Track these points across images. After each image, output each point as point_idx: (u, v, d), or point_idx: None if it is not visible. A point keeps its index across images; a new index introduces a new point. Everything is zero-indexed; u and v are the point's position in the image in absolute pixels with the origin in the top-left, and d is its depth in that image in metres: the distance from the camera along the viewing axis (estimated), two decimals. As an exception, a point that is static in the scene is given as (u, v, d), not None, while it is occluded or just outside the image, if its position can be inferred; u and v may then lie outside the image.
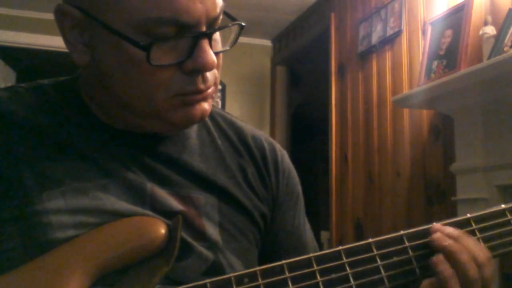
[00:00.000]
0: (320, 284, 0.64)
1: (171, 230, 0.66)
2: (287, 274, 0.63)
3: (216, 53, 0.68)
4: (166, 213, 0.70)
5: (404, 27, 2.62)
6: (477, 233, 0.72)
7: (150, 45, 0.62)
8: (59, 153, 0.69)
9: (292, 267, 0.64)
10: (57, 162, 0.68)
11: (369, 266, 0.66)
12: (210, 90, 0.69)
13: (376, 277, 0.66)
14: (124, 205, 0.68)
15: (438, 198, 2.30)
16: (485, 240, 0.72)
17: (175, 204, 0.71)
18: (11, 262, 0.62)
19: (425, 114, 2.42)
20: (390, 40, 2.72)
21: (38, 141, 0.69)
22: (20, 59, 4.31)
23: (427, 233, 0.70)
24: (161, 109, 0.67)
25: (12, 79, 4.28)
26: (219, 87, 4.09)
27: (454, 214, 2.09)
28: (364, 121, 2.92)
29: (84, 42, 0.68)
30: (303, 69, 4.56)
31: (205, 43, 0.65)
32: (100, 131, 0.73)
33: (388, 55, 2.74)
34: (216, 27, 0.68)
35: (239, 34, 0.72)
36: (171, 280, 0.67)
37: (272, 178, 0.82)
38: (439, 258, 0.67)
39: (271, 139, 0.87)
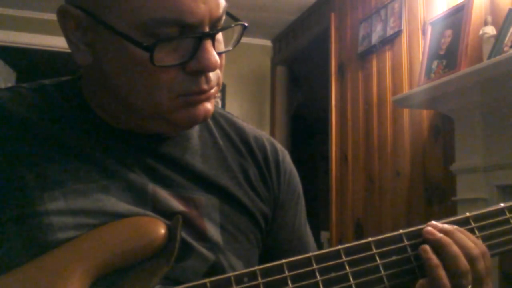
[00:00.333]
0: (320, 283, 0.64)
1: (171, 230, 0.66)
2: (287, 273, 0.63)
3: (219, 54, 0.68)
4: (168, 214, 0.70)
5: (404, 27, 2.62)
6: (476, 232, 0.72)
7: (154, 45, 0.62)
8: (60, 154, 0.69)
9: (291, 266, 0.64)
10: (58, 163, 0.68)
11: (368, 265, 0.67)
12: (213, 90, 0.69)
13: (375, 276, 0.66)
14: (125, 206, 0.68)
15: (438, 198, 2.30)
16: (484, 238, 0.72)
17: (177, 205, 0.71)
18: (12, 263, 0.62)
19: (425, 114, 2.42)
20: (390, 40, 2.72)
21: (40, 142, 0.69)
22: (20, 59, 4.31)
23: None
24: (164, 110, 0.67)
25: (12, 79, 4.28)
26: (219, 87, 4.07)
27: (454, 214, 2.07)
28: (364, 121, 2.92)
29: (87, 42, 0.68)
30: (303, 69, 4.56)
31: (208, 43, 0.65)
32: (102, 131, 0.73)
33: (388, 55, 2.75)
34: (219, 27, 0.68)
35: (241, 34, 0.72)
36: (171, 281, 0.66)
37: (274, 178, 0.82)
38: (426, 247, 0.69)
39: (272, 139, 0.87)
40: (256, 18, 3.88)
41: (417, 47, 2.51)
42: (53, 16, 0.67)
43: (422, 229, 0.71)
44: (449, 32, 2.17)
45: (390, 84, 2.71)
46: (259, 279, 0.62)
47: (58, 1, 0.70)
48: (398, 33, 2.65)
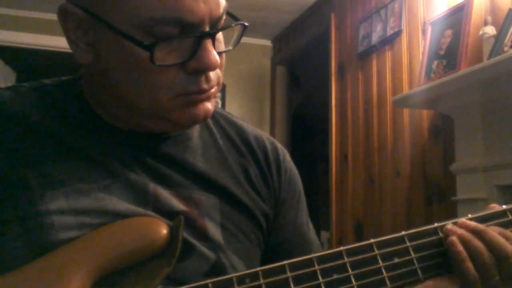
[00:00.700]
0: (322, 284, 0.64)
1: (172, 231, 0.66)
2: (289, 274, 0.63)
3: (219, 53, 0.68)
4: (169, 214, 0.70)
5: (404, 27, 2.62)
6: None
7: (154, 45, 0.62)
8: (62, 153, 0.69)
9: (293, 267, 0.64)
10: (59, 162, 0.68)
11: (370, 267, 0.66)
12: (213, 90, 0.69)
13: (377, 277, 0.66)
14: (126, 206, 0.68)
15: (438, 198, 2.30)
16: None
17: (178, 204, 0.71)
18: (14, 262, 0.62)
19: (425, 114, 2.42)
20: (390, 40, 2.72)
21: (41, 141, 0.69)
22: (20, 59, 4.31)
23: (428, 233, 0.70)
24: (164, 109, 0.67)
25: (12, 79, 4.28)
26: (219, 87, 4.07)
27: (454, 214, 2.09)
28: (364, 121, 2.92)
29: (87, 41, 0.68)
30: (303, 69, 4.56)
31: (208, 43, 0.65)
32: (103, 131, 0.73)
33: (388, 55, 2.75)
34: (219, 27, 0.68)
35: (242, 34, 0.72)
36: (172, 281, 0.67)
37: (274, 177, 0.82)
38: (454, 239, 0.68)
39: (272, 139, 0.87)
40: (256, 18, 3.88)
41: (417, 47, 2.51)
42: (53, 16, 0.67)
43: (424, 230, 0.71)
44: (449, 32, 2.17)
45: (390, 84, 2.71)
46: (261, 279, 0.62)
47: (58, 1, 0.70)
48: (398, 33, 2.65)
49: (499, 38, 1.87)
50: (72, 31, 0.68)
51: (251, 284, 0.62)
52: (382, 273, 0.66)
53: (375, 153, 2.80)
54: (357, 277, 0.65)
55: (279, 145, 0.86)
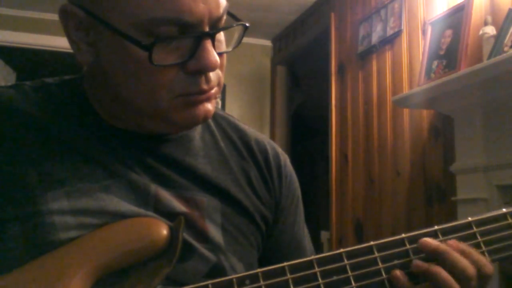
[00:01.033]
0: (322, 286, 0.64)
1: (173, 231, 0.66)
2: (289, 276, 0.63)
3: (220, 54, 0.68)
4: (169, 215, 0.70)
5: (404, 27, 2.62)
6: (478, 237, 0.72)
7: (152, 45, 0.62)
8: (63, 153, 0.69)
9: (293, 268, 0.64)
10: (61, 162, 0.68)
11: (370, 269, 0.66)
12: (213, 91, 0.69)
13: (377, 279, 0.66)
14: (127, 206, 0.68)
15: (438, 198, 2.30)
16: (486, 243, 0.72)
17: (178, 205, 0.71)
18: (14, 262, 0.62)
19: (425, 114, 2.42)
20: (390, 40, 2.72)
21: (43, 140, 0.69)
22: (20, 59, 4.31)
23: (429, 236, 0.70)
24: (164, 110, 0.67)
25: (12, 79, 4.28)
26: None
27: (454, 214, 2.09)
28: (364, 121, 2.92)
29: (88, 42, 0.68)
30: (303, 69, 4.56)
31: (208, 43, 0.65)
32: (104, 131, 0.73)
33: (388, 55, 2.75)
34: (220, 27, 0.68)
35: (243, 34, 0.71)
36: (172, 281, 0.67)
37: (276, 182, 0.82)
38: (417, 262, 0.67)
39: (273, 143, 0.87)
40: (256, 18, 3.88)
41: (417, 47, 2.51)
42: (53, 16, 0.67)
43: (424, 233, 0.70)
44: (449, 32, 2.17)
45: (390, 84, 2.71)
46: (261, 281, 0.62)
47: (58, 1, 0.70)
48: (398, 33, 2.65)
49: (499, 38, 1.87)
50: (73, 32, 0.68)
51: (251, 286, 0.62)
52: (382, 275, 0.66)
53: (375, 153, 2.80)
54: (357, 278, 0.65)
55: (280, 150, 0.86)
